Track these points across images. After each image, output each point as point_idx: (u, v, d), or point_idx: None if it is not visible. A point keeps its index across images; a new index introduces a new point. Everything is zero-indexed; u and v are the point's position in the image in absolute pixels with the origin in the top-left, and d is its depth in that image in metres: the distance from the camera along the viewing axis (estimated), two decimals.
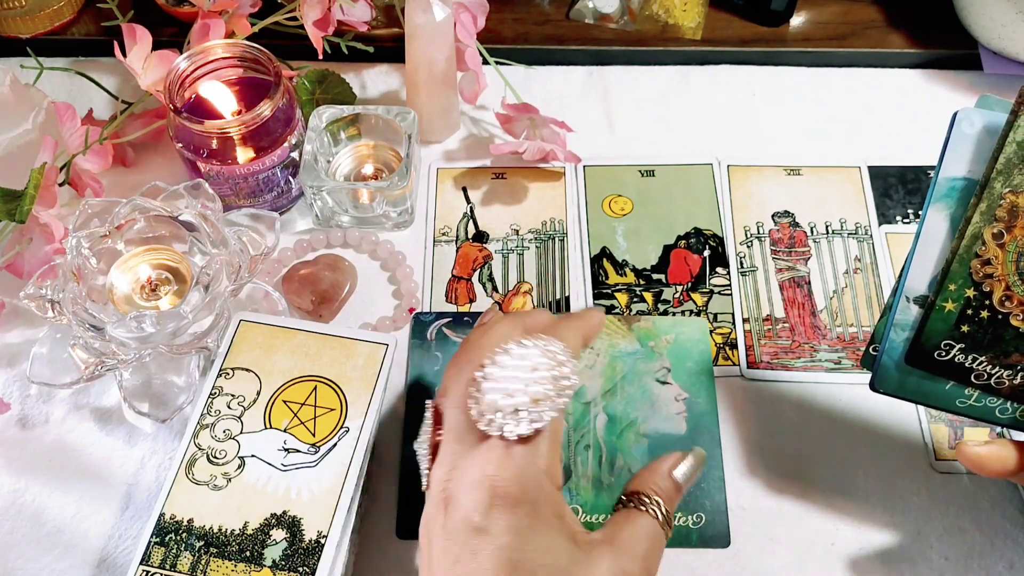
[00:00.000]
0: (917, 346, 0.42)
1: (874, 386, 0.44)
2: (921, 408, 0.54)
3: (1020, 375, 0.42)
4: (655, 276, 0.60)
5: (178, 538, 0.45)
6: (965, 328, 0.41)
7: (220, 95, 0.60)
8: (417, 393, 0.55)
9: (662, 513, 0.39)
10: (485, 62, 0.66)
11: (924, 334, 0.42)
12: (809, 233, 0.62)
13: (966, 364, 0.42)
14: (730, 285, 0.60)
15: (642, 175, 0.65)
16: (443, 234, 0.62)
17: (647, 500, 0.39)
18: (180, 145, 0.58)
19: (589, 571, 0.36)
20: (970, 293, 0.41)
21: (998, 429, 0.53)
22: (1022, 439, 0.44)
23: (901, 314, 0.42)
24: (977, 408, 0.43)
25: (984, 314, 0.41)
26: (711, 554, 0.50)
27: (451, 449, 0.38)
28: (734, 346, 0.57)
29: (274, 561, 0.45)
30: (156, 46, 0.61)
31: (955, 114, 0.41)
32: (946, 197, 0.41)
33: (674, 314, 0.58)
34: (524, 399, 0.37)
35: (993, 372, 0.42)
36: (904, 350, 0.42)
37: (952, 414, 0.45)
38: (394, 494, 0.52)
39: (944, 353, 0.42)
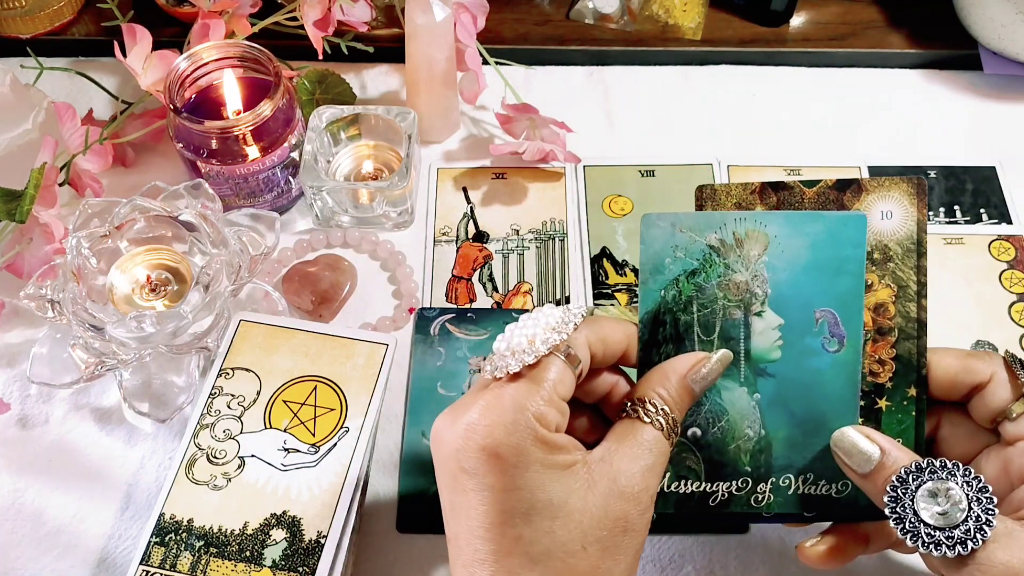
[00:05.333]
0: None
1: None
2: None
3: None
4: None
5: (178, 538, 0.45)
6: None
7: (221, 94, 0.60)
8: (420, 388, 0.55)
9: (667, 423, 0.38)
10: (485, 62, 0.66)
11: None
12: None
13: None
14: None
15: (642, 175, 0.65)
16: (443, 234, 0.62)
17: (652, 408, 0.38)
18: (180, 145, 0.58)
19: (585, 500, 0.36)
20: None
21: None
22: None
23: None
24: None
25: None
26: (731, 540, 0.50)
27: (471, 392, 0.38)
28: None
29: (274, 561, 0.45)
30: (156, 46, 0.61)
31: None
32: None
33: None
34: (520, 340, 0.37)
35: None
36: None
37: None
38: (394, 493, 0.52)
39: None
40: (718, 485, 0.41)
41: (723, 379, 0.41)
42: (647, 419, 0.38)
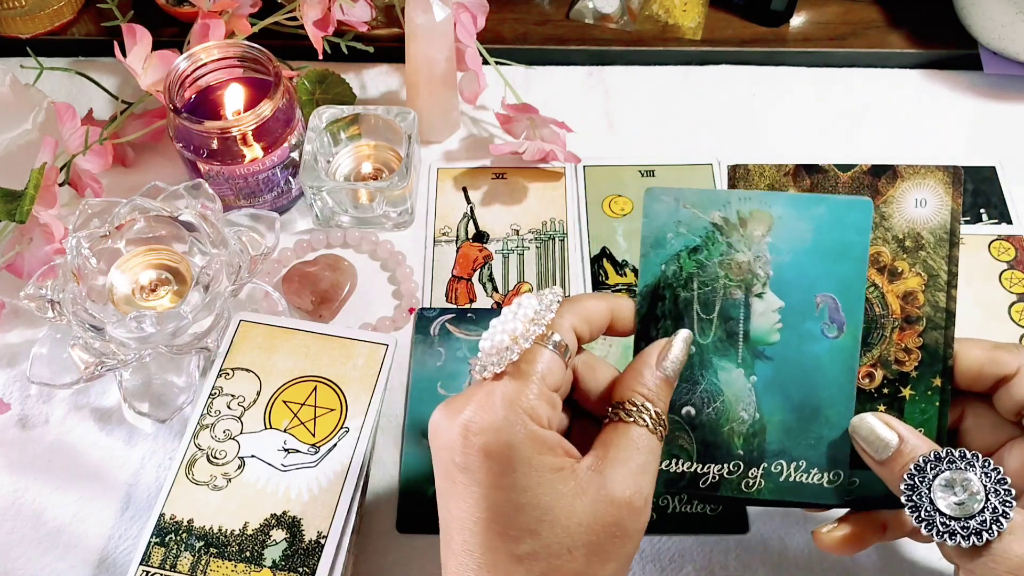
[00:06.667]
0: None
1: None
2: None
3: None
4: None
5: (178, 538, 0.45)
6: None
7: (221, 94, 0.60)
8: (420, 388, 0.55)
9: (651, 418, 0.38)
10: (485, 62, 0.66)
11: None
12: None
13: None
14: None
15: (642, 175, 0.65)
16: (443, 234, 0.62)
17: (634, 408, 0.38)
18: (180, 145, 0.58)
19: (572, 505, 0.36)
20: None
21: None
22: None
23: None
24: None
25: None
26: (731, 540, 0.50)
27: (468, 389, 0.39)
28: None
29: (274, 561, 0.45)
30: (156, 46, 0.61)
31: None
32: None
33: None
34: (503, 338, 0.37)
35: None
36: None
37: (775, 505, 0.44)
38: (394, 493, 0.52)
39: None
40: (709, 467, 0.41)
41: (720, 359, 0.41)
42: (630, 418, 0.38)
